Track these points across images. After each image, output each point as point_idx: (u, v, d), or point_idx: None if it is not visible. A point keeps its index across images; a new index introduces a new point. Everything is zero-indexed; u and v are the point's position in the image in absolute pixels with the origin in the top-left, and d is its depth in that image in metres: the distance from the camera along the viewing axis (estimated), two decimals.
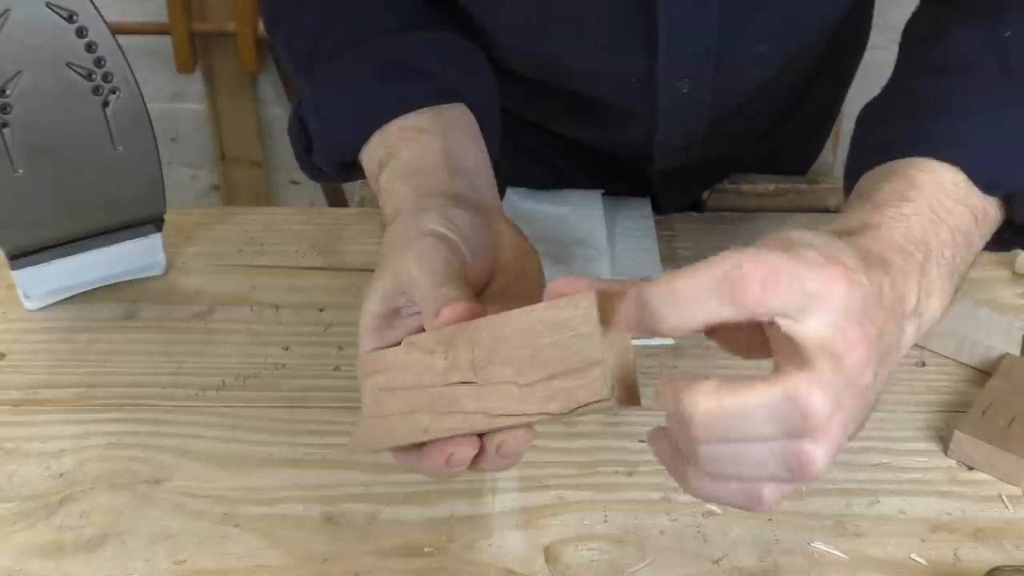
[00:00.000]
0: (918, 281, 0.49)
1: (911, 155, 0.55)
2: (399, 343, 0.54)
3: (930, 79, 0.60)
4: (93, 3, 0.71)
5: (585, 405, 0.45)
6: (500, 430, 0.49)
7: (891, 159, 0.56)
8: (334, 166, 0.69)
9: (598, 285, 0.46)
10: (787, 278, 0.41)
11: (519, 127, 0.73)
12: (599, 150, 0.89)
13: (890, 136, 0.57)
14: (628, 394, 0.45)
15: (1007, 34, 0.59)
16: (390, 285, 0.54)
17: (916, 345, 0.76)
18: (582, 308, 0.45)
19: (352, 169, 0.69)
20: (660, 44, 0.71)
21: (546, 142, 0.91)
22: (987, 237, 0.56)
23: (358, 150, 0.66)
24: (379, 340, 0.55)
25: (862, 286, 0.43)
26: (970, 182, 0.54)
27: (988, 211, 0.55)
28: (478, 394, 0.48)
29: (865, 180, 0.56)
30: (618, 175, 0.90)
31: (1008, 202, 0.56)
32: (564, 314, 0.45)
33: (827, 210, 0.93)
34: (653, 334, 0.43)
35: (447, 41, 0.69)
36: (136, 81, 0.74)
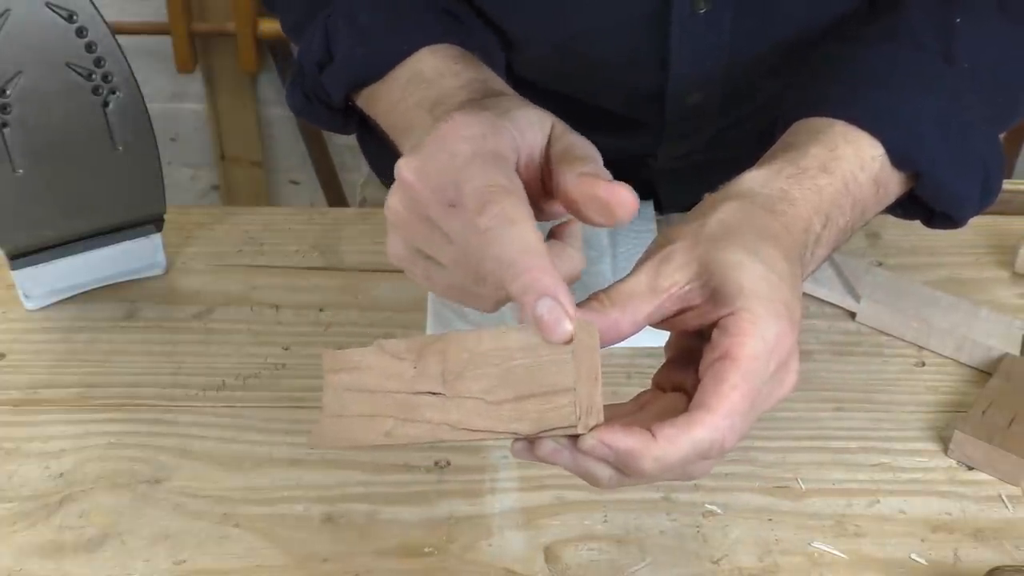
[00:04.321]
0: (812, 251, 0.55)
1: (843, 117, 0.59)
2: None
3: (878, 45, 0.63)
4: (93, 3, 0.71)
5: (552, 429, 0.46)
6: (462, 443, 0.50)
7: (825, 116, 0.60)
8: (342, 91, 0.68)
9: (572, 313, 0.47)
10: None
11: None
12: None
13: (829, 95, 0.61)
14: (594, 418, 0.47)
15: (957, 20, 0.62)
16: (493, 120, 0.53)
17: (916, 345, 0.76)
18: None
19: (347, 117, 0.69)
20: (672, 60, 0.72)
21: None
22: (881, 208, 0.61)
23: (385, 71, 0.65)
24: (495, 171, 0.51)
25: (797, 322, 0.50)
26: (886, 157, 0.58)
27: (890, 187, 0.60)
28: (444, 406, 0.49)
29: (795, 132, 0.60)
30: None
31: (916, 178, 0.60)
32: (539, 338, 0.46)
33: None
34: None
35: (474, 23, 0.71)
36: (136, 81, 0.74)
